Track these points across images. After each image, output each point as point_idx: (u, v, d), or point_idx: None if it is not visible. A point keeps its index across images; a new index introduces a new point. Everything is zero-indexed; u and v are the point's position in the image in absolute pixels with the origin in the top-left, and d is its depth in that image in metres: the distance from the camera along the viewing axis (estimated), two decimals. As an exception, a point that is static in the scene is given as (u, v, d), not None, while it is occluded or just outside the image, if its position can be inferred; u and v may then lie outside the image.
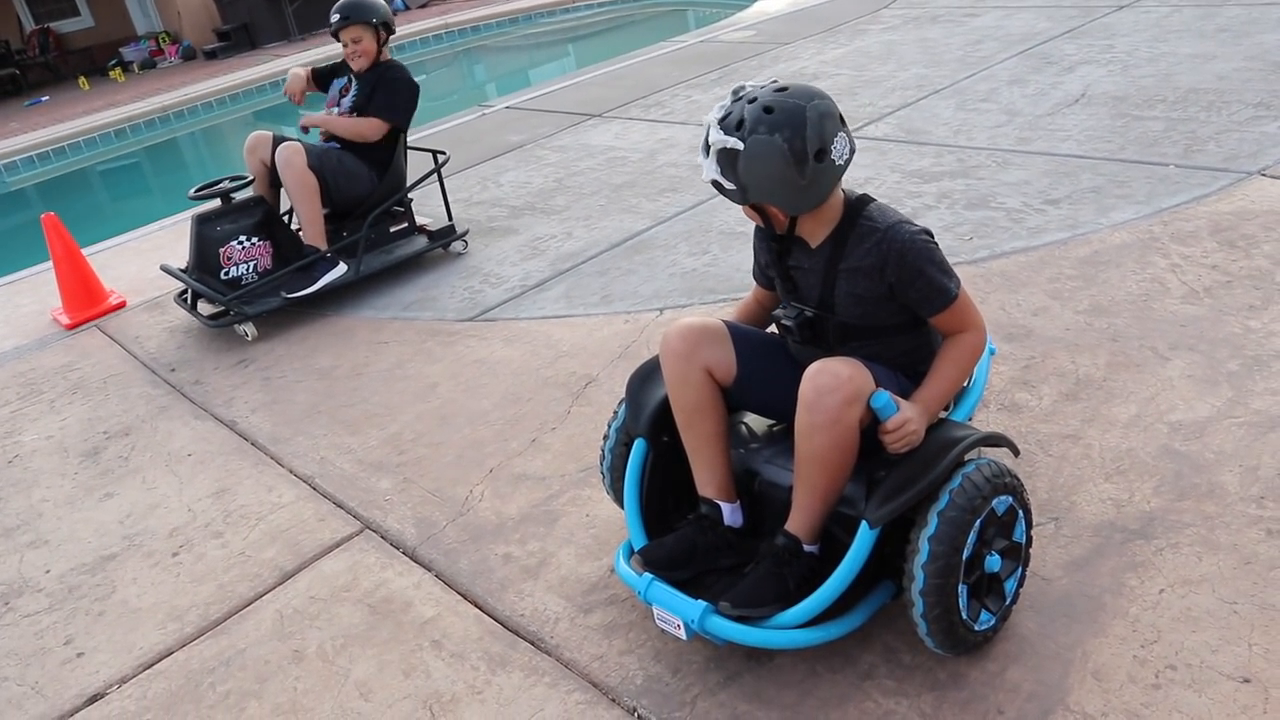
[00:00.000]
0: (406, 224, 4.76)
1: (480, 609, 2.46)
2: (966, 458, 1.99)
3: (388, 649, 2.38)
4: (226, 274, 4.21)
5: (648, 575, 2.10)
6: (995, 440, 2.11)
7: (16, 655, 2.59)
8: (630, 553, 2.21)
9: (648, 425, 2.26)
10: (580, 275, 4.31)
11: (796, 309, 2.14)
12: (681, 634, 2.05)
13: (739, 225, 4.45)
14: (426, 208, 5.11)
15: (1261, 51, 5.78)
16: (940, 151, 5.02)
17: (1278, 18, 6.45)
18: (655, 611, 2.09)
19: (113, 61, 15.56)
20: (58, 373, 4.25)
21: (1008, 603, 2.08)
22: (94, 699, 2.40)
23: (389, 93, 4.40)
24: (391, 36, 4.49)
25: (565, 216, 5.05)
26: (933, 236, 2.05)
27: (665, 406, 2.22)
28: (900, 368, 2.15)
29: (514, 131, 6.89)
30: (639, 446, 2.28)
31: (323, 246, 4.33)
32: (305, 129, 4.55)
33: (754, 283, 2.39)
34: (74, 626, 2.66)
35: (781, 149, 1.89)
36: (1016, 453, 2.20)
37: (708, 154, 1.96)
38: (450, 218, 4.85)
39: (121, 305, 4.84)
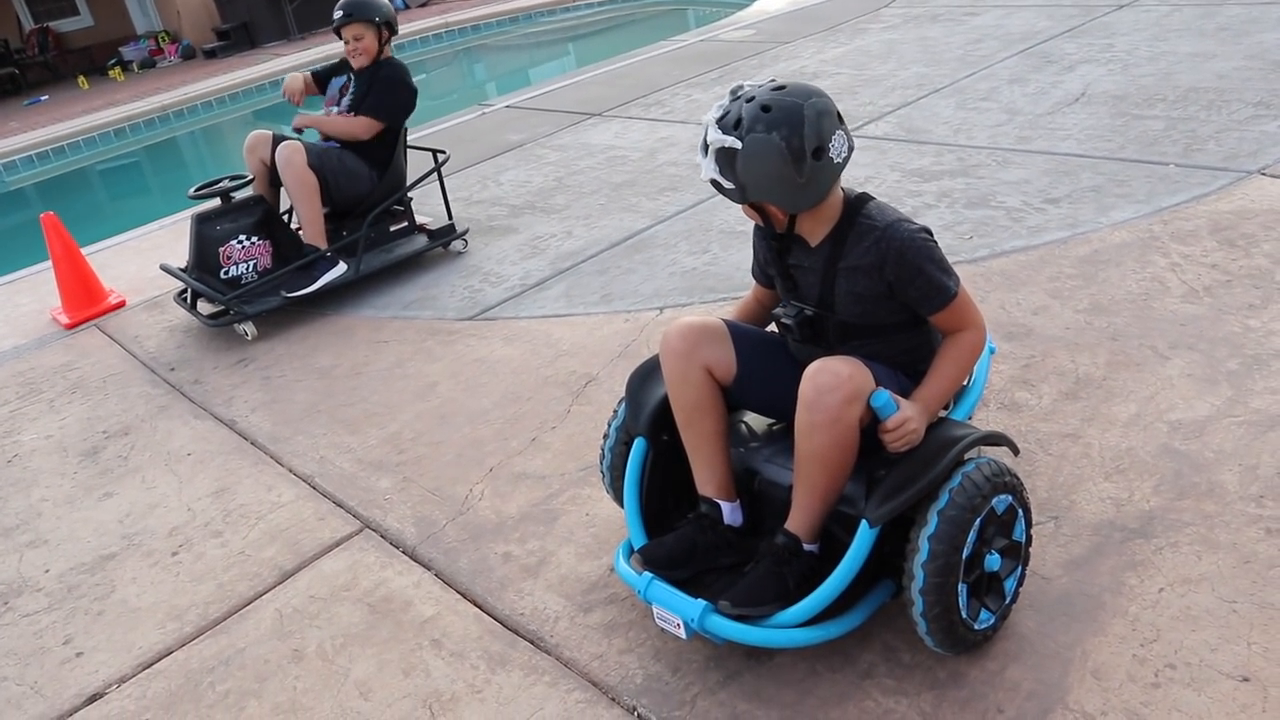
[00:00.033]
0: (406, 223, 4.76)
1: (480, 608, 2.46)
2: (966, 457, 1.99)
3: (387, 648, 2.38)
4: (226, 273, 4.21)
5: (647, 574, 2.10)
6: (995, 439, 2.11)
7: (16, 655, 2.59)
8: (630, 551, 2.21)
9: (648, 424, 2.26)
10: (580, 274, 4.31)
11: (796, 308, 2.14)
12: (681, 633, 2.05)
13: (739, 224, 4.45)
14: (426, 207, 5.11)
15: (1261, 50, 5.78)
16: (940, 150, 5.02)
17: (1278, 17, 6.45)
18: (655, 610, 2.09)
19: (112, 61, 15.56)
20: (57, 372, 4.25)
21: (1007, 601, 2.08)
22: (93, 699, 2.40)
23: (382, 92, 4.39)
24: (394, 36, 4.48)
25: (565, 215, 5.05)
26: (932, 235, 2.05)
27: (665, 405, 2.22)
28: (900, 366, 2.15)
29: (514, 130, 6.88)
30: (639, 445, 2.28)
31: (323, 245, 4.33)
32: (299, 130, 4.55)
33: (754, 281, 2.39)
34: (73, 626, 2.66)
35: (779, 147, 1.89)
36: (1016, 452, 2.20)
37: (706, 153, 1.96)
38: (450, 217, 4.84)
39: (121, 305, 4.84)
